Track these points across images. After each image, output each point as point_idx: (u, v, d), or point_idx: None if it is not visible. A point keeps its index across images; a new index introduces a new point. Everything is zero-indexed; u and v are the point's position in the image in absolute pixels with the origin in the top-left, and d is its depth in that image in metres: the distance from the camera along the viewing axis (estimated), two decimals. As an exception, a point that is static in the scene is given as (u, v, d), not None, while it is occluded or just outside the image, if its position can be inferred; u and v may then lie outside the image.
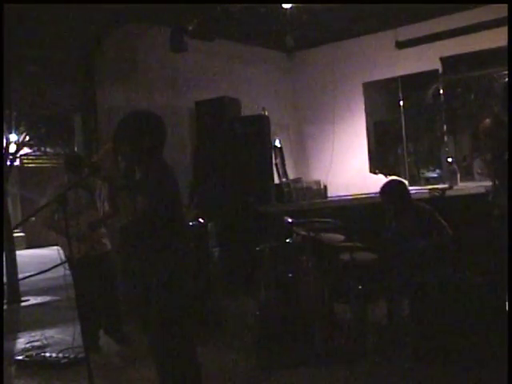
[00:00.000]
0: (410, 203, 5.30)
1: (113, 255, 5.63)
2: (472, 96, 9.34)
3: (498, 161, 5.26)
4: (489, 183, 5.67)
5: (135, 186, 3.28)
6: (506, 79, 8.35)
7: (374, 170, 9.76)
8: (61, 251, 5.33)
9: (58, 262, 5.28)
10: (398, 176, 9.24)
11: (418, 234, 5.03)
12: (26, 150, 15.41)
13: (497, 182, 5.39)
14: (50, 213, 5.21)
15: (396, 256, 5.02)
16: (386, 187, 5.37)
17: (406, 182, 8.83)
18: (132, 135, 3.31)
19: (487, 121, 5.39)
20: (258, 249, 5.41)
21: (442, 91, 9.19)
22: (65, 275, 5.31)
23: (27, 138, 12.17)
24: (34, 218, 4.93)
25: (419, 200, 5.62)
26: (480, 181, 6.59)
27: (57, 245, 5.50)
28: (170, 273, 3.32)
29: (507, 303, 4.04)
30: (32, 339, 6.13)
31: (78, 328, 5.09)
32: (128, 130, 3.33)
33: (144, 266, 3.39)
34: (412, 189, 8.50)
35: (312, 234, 4.97)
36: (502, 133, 5.12)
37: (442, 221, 5.16)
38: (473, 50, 8.56)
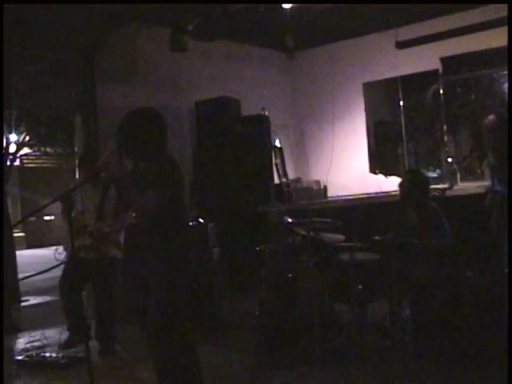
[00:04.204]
0: (424, 200, 5.26)
1: (117, 263, 5.42)
2: (472, 96, 9.35)
3: (499, 158, 5.26)
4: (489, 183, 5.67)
5: (143, 182, 3.30)
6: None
7: (374, 169, 9.76)
8: (59, 250, 5.34)
9: (56, 262, 5.28)
10: (398, 176, 9.24)
11: (424, 233, 5.02)
12: (26, 150, 15.41)
13: (495, 181, 5.39)
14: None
15: (397, 255, 5.01)
16: (408, 174, 5.36)
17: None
18: (133, 132, 3.35)
19: (491, 117, 5.39)
20: (258, 249, 5.41)
21: (442, 91, 9.19)
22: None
23: (27, 138, 12.17)
24: (34, 218, 4.94)
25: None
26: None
27: (57, 244, 5.49)
28: (174, 268, 3.32)
29: (507, 303, 4.03)
30: (32, 339, 6.12)
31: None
32: (129, 127, 3.38)
33: (149, 262, 3.39)
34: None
35: (312, 233, 4.97)
36: (505, 130, 5.13)
37: (447, 225, 5.16)
38: (473, 50, 8.57)
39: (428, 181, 5.42)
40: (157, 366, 3.38)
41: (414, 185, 5.20)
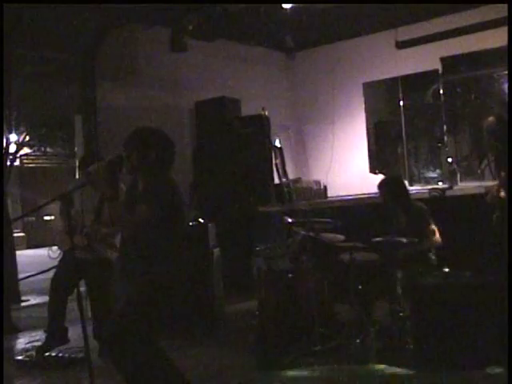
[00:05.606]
0: (406, 201, 5.35)
1: (112, 264, 5.45)
2: (472, 96, 9.34)
3: (500, 159, 5.26)
4: (490, 183, 5.67)
5: (138, 197, 3.31)
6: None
7: (374, 170, 9.76)
8: (53, 249, 5.33)
9: (52, 261, 5.29)
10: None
11: (411, 234, 5.05)
12: (26, 150, 15.40)
13: (497, 181, 5.39)
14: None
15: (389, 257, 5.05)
16: (382, 183, 5.45)
17: (405, 181, 8.89)
18: (140, 149, 3.37)
19: (491, 118, 5.40)
20: (257, 249, 5.40)
21: (442, 91, 9.19)
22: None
23: (27, 138, 12.16)
24: (34, 218, 4.94)
25: (419, 199, 5.64)
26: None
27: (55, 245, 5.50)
28: (151, 284, 3.29)
29: (507, 303, 4.03)
30: (32, 339, 6.12)
31: (78, 328, 5.11)
32: (135, 143, 3.39)
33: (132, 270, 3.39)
34: (412, 189, 8.52)
35: (312, 233, 4.97)
36: (505, 131, 5.13)
37: (433, 224, 5.17)
38: (473, 50, 8.57)
39: (403, 184, 5.51)
40: (120, 373, 3.33)
41: (391, 194, 5.30)
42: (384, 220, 5.42)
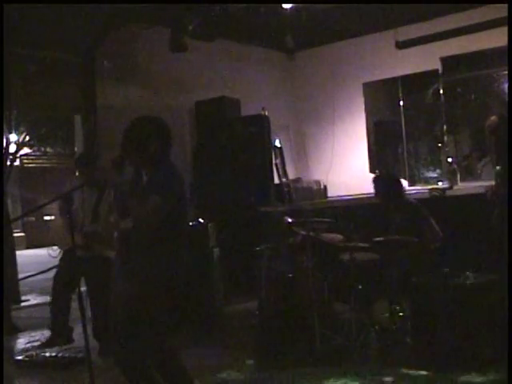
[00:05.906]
0: (402, 200, 5.34)
1: (110, 263, 5.43)
2: (472, 96, 9.35)
3: (501, 158, 5.27)
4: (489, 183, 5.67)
5: (145, 188, 3.30)
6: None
7: (374, 170, 9.76)
8: (53, 248, 5.34)
9: (52, 261, 5.29)
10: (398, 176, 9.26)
11: (407, 232, 5.05)
12: (26, 150, 15.41)
13: (498, 181, 5.39)
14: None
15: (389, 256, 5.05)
16: (377, 178, 5.48)
17: (405, 181, 8.89)
18: (138, 139, 3.36)
19: (493, 118, 5.41)
20: (258, 249, 5.41)
21: (442, 91, 9.19)
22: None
23: (27, 138, 12.18)
24: (34, 218, 4.94)
25: (415, 199, 5.64)
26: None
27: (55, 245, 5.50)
28: (156, 279, 3.28)
29: (507, 303, 4.03)
30: (32, 339, 6.12)
31: (79, 328, 5.12)
32: (134, 134, 3.39)
33: (138, 266, 3.37)
34: (412, 189, 8.53)
35: (312, 233, 4.97)
36: (506, 130, 5.14)
37: (432, 221, 5.17)
38: (473, 50, 8.57)
39: (397, 182, 5.48)
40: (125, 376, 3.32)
41: (384, 191, 5.29)
42: (383, 220, 5.41)
